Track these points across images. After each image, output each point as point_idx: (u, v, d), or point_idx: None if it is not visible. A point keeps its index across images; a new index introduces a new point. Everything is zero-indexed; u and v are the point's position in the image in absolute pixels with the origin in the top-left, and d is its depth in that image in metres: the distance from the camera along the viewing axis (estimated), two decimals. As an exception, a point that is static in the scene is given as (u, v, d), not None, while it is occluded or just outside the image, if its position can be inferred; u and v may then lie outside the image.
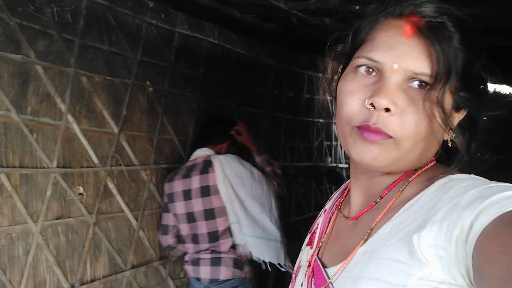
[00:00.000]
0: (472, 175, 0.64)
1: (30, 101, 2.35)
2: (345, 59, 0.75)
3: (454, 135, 0.68)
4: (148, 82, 3.05)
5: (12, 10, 2.28)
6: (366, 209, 0.73)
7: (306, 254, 0.83)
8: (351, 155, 0.68)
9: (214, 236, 2.62)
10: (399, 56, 0.64)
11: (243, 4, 2.65)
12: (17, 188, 2.21)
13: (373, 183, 0.73)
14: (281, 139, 4.51)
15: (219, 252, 2.61)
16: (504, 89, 5.18)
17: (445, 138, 0.68)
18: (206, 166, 2.69)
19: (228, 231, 2.63)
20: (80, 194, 2.51)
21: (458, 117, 0.68)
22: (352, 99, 0.66)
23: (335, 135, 5.62)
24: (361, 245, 0.67)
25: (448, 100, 0.64)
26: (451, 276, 0.55)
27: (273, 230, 2.65)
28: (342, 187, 0.93)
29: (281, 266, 2.63)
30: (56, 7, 2.51)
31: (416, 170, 0.70)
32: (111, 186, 2.69)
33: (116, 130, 2.77)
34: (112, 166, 2.71)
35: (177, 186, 2.71)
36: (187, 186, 2.66)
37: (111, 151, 2.72)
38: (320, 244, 0.80)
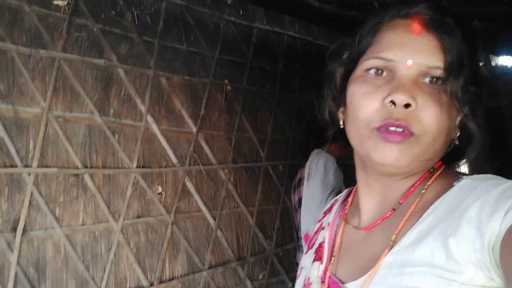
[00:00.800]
0: (491, 175, 0.63)
1: (112, 103, 2.44)
2: (352, 64, 0.74)
3: (458, 134, 0.69)
4: (226, 81, 3.02)
5: (95, 17, 2.37)
6: (385, 216, 0.70)
7: (316, 270, 0.77)
8: (372, 158, 0.65)
9: (299, 226, 2.72)
10: (412, 52, 0.65)
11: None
12: (100, 188, 2.31)
13: (389, 190, 0.72)
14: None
15: None
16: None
17: (453, 135, 0.69)
18: (307, 161, 2.80)
19: None
20: (159, 193, 2.56)
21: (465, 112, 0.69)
22: (368, 100, 0.66)
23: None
24: (386, 254, 0.64)
25: (459, 95, 0.64)
26: (491, 278, 0.53)
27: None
28: (341, 197, 0.90)
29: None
30: (136, 11, 2.57)
31: (431, 173, 0.70)
32: (189, 185, 2.71)
33: (194, 129, 2.78)
34: (191, 166, 2.72)
35: (294, 181, 2.94)
36: (295, 181, 2.90)
37: (190, 150, 2.74)
38: (332, 258, 0.77)
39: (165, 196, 2.59)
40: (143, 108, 2.53)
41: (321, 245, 0.82)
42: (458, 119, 0.67)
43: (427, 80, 0.65)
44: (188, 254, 2.65)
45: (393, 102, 0.63)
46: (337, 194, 2.61)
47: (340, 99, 0.77)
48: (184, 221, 2.68)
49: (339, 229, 0.80)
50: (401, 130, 0.63)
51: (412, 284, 0.58)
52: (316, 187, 2.57)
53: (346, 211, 0.83)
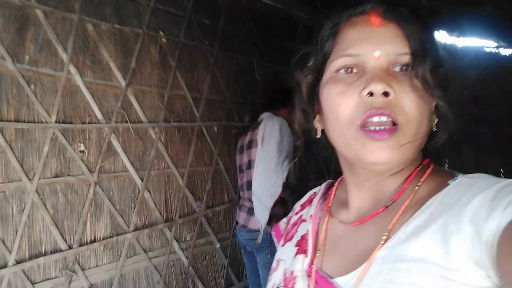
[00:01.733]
0: (486, 174, 0.62)
1: (28, 49, 2.17)
2: (319, 70, 0.74)
3: (436, 120, 0.69)
4: (161, 32, 2.81)
5: None
6: (376, 212, 0.69)
7: (300, 263, 0.75)
8: (363, 159, 0.64)
9: (249, 185, 2.77)
10: (376, 43, 0.65)
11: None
12: (11, 144, 2.09)
13: (379, 187, 0.71)
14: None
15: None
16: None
17: (432, 122, 0.69)
18: (258, 123, 2.83)
19: None
20: (81, 151, 2.38)
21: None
22: (345, 98, 0.66)
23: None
24: (380, 249, 0.63)
25: (429, 78, 0.64)
26: (489, 276, 0.53)
27: (265, 196, 2.63)
28: (321, 190, 0.89)
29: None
30: None
31: (421, 169, 0.70)
32: (115, 143, 2.54)
33: (123, 84, 2.57)
34: (118, 123, 2.54)
35: (239, 142, 3.00)
36: (242, 142, 2.94)
37: (117, 106, 2.55)
38: (318, 252, 0.75)
39: (88, 154, 2.41)
40: (64, 57, 2.29)
41: (304, 238, 0.80)
42: (434, 104, 0.67)
43: (397, 68, 0.65)
44: (112, 216, 2.52)
45: (370, 94, 0.63)
46: (288, 158, 2.68)
47: (313, 108, 0.76)
48: (109, 181, 2.53)
49: (323, 223, 0.80)
50: (385, 119, 0.62)
51: (408, 281, 0.57)
52: (272, 150, 2.63)
53: (329, 205, 0.82)
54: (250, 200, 2.79)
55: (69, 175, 2.32)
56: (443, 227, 0.58)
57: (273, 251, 2.63)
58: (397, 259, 0.60)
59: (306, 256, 0.76)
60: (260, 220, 2.64)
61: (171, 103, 2.90)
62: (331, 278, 0.69)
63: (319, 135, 0.76)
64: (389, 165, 0.66)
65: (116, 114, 2.54)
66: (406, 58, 0.65)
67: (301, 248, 0.78)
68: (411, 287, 0.57)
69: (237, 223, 2.91)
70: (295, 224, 0.87)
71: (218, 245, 3.23)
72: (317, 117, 0.76)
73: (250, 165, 2.81)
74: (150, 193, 2.75)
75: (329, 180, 0.91)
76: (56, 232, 2.23)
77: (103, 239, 2.46)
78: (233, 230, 3.32)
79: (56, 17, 2.26)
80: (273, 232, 0.99)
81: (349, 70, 0.67)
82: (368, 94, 0.63)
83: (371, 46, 0.66)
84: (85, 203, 2.37)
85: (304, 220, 0.85)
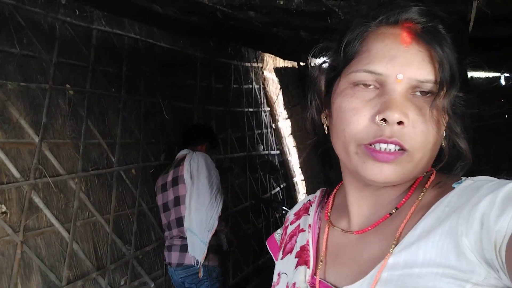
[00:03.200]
0: (491, 177, 0.62)
1: None
2: (335, 72, 0.70)
3: (444, 134, 0.66)
4: (68, 85, 2.86)
5: None
6: (380, 221, 0.68)
7: (302, 274, 0.74)
8: (361, 174, 0.64)
9: (179, 222, 2.81)
10: (401, 65, 0.61)
11: (164, -1, 2.57)
12: None
13: (382, 195, 0.70)
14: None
15: (185, 238, 2.79)
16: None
17: (441, 143, 0.67)
18: (181, 160, 2.95)
19: None
20: (3, 212, 2.32)
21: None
22: (357, 117, 0.63)
23: (265, 123, 5.69)
24: (388, 256, 0.61)
25: (450, 112, 0.63)
26: (500, 278, 0.53)
27: (202, 232, 2.74)
28: (317, 199, 0.86)
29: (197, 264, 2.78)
30: (-47, 9, 2.26)
31: (424, 176, 0.69)
32: (36, 200, 2.51)
33: (36, 139, 2.58)
34: (36, 179, 2.53)
35: (158, 181, 3.06)
36: (164, 180, 3.00)
37: (34, 162, 2.54)
38: (320, 262, 0.73)
39: (10, 215, 2.35)
40: (-27, 120, 2.26)
41: (304, 248, 0.77)
42: (445, 128, 0.65)
43: (417, 93, 0.63)
44: (43, 273, 2.47)
45: (385, 120, 0.60)
46: (219, 191, 2.84)
47: (323, 104, 0.74)
48: (35, 239, 2.48)
49: (323, 232, 0.77)
50: (393, 146, 0.61)
51: (421, 285, 0.56)
52: (204, 186, 2.75)
53: (329, 213, 0.79)
54: (180, 237, 2.83)
55: (-7, 239, 2.25)
56: (452, 229, 0.57)
57: (212, 282, 2.77)
58: (406, 265, 0.59)
59: (308, 267, 0.74)
60: (197, 256, 2.72)
61: (87, 152, 2.93)
62: None
63: (327, 131, 0.74)
64: (387, 184, 0.64)
65: (34, 171, 2.52)
66: (429, 86, 0.62)
67: (302, 259, 0.76)
68: None
69: (169, 264, 2.89)
70: (293, 234, 0.84)
71: (152, 285, 3.26)
72: (326, 112, 0.74)
73: (178, 201, 2.85)
74: (78, 244, 2.73)
75: (322, 188, 0.88)
76: (-13, 300, 2.14)
77: (37, 299, 2.39)
78: (164, 272, 3.36)
79: (-42, 82, 2.24)
80: (267, 245, 0.95)
81: (368, 85, 0.64)
82: (382, 120, 0.60)
83: (396, 68, 0.62)
84: (14, 264, 2.31)
85: (302, 230, 0.82)
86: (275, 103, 6.04)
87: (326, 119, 0.73)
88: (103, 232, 2.95)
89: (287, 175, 6.16)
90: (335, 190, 0.84)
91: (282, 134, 6.20)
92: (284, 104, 6.30)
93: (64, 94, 2.83)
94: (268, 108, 5.88)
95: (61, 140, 2.76)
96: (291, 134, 6.40)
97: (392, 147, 0.61)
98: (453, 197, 0.61)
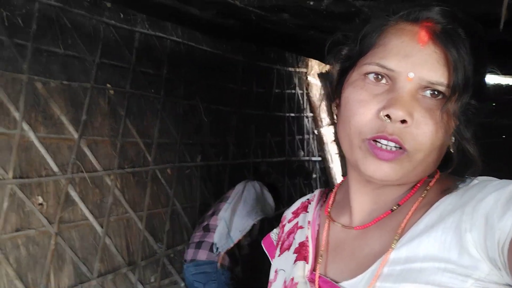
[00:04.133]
0: (495, 178, 0.62)
1: (-20, 111, 2.26)
2: (350, 62, 0.69)
3: (453, 140, 0.65)
4: (108, 85, 2.98)
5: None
6: (381, 216, 0.68)
7: (301, 270, 0.73)
8: (361, 169, 0.64)
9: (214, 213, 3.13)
10: (415, 64, 0.61)
11: (200, 1, 2.61)
12: (-30, 203, 2.13)
13: (384, 192, 0.69)
14: (251, 136, 4.49)
15: (204, 233, 3.00)
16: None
17: (448, 145, 0.66)
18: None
19: None
20: (40, 204, 2.44)
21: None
22: (364, 109, 0.63)
23: (307, 128, 5.63)
24: (390, 251, 0.62)
25: (461, 117, 0.61)
26: (502, 275, 0.53)
27: (235, 227, 2.94)
28: (316, 197, 0.85)
29: None
30: (5, 12, 2.41)
31: (429, 177, 0.68)
32: (73, 194, 2.62)
33: (76, 136, 2.69)
34: (73, 174, 2.64)
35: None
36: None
37: (72, 157, 2.65)
38: (320, 258, 0.73)
39: (46, 207, 2.47)
40: (17, 115, 2.39)
41: (304, 244, 0.77)
42: (453, 132, 0.64)
43: (428, 92, 0.62)
44: (75, 264, 2.56)
45: (388, 116, 0.60)
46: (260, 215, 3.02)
47: (335, 94, 0.74)
48: (69, 231, 2.59)
49: (323, 228, 0.77)
50: (393, 144, 0.61)
51: (422, 280, 0.56)
52: (251, 197, 3.16)
53: (329, 209, 0.79)
54: (200, 234, 2.97)
55: (30, 228, 2.36)
56: (455, 224, 0.57)
57: (220, 285, 2.78)
58: (407, 260, 0.59)
59: (307, 263, 0.73)
60: (220, 247, 2.78)
61: (124, 150, 3.03)
62: (337, 282, 0.67)
63: (336, 120, 0.73)
64: (386, 183, 0.65)
65: (72, 165, 2.63)
66: (440, 88, 0.61)
67: (301, 254, 0.76)
68: (426, 286, 0.56)
69: (185, 260, 2.99)
70: (291, 231, 0.83)
71: (182, 284, 3.29)
72: (336, 101, 0.73)
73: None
74: (111, 238, 2.82)
75: (321, 189, 0.89)
76: (21, 286, 2.25)
77: (68, 289, 2.49)
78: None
79: (5, 78, 2.38)
80: (263, 245, 0.94)
81: (379, 77, 0.64)
82: (386, 116, 0.60)
83: (409, 66, 0.61)
84: (47, 255, 2.42)
85: (301, 227, 0.81)
86: (319, 109, 5.96)
87: (336, 108, 0.73)
88: (136, 229, 3.02)
89: (328, 183, 6.05)
90: (336, 188, 0.83)
91: (325, 141, 6.10)
92: (327, 110, 6.20)
93: (104, 93, 2.94)
94: (311, 114, 5.82)
95: (99, 137, 2.87)
96: (333, 141, 6.28)
97: (391, 144, 0.60)
98: (457, 195, 0.61)
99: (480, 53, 0.62)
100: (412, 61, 0.61)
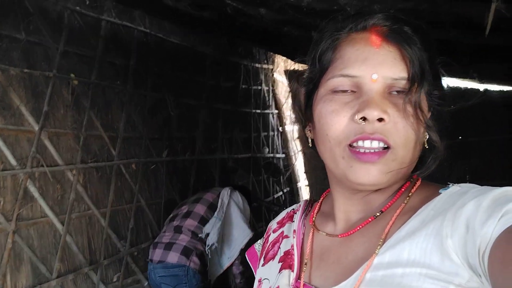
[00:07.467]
0: (476, 185, 0.63)
1: None
2: (314, 83, 0.72)
3: (428, 137, 0.67)
4: (72, 75, 2.82)
5: None
6: (363, 224, 0.69)
7: (286, 278, 0.74)
8: (350, 179, 0.64)
9: (187, 214, 3.02)
10: (374, 66, 0.64)
11: (175, -9, 2.52)
12: None
13: (368, 200, 0.70)
14: (219, 131, 4.42)
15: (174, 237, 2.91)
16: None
17: (423, 141, 0.68)
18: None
19: None
20: (-4, 200, 2.28)
21: (429, 116, 0.68)
22: (338, 118, 0.64)
23: (272, 125, 5.62)
24: (372, 257, 0.62)
25: (424, 101, 0.65)
26: (483, 282, 0.53)
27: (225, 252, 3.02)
28: (301, 207, 0.86)
29: None
30: (-40, -9, 2.23)
31: (411, 182, 0.70)
32: (32, 189, 2.47)
33: (36, 127, 2.53)
34: (33, 168, 2.48)
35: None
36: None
37: (31, 151, 2.49)
38: (304, 266, 0.74)
39: (3, 203, 2.31)
40: (-28, 104, 2.22)
41: (289, 253, 0.78)
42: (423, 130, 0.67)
43: (394, 92, 0.64)
44: (34, 264, 2.42)
45: (364, 119, 0.62)
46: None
47: (306, 117, 0.75)
48: (28, 229, 2.43)
49: (307, 237, 0.77)
50: (376, 144, 0.62)
51: (404, 285, 0.57)
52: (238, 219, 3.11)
53: (314, 218, 0.80)
54: (170, 234, 2.81)
55: (-16, 226, 2.20)
56: (437, 230, 0.58)
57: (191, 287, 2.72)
58: (390, 265, 0.60)
59: (292, 271, 0.74)
60: (210, 273, 2.85)
61: (87, 143, 2.89)
62: None
63: (311, 144, 0.75)
64: (376, 187, 0.66)
65: (31, 159, 2.48)
66: (403, 83, 0.64)
67: (286, 263, 0.77)
68: None
69: (151, 260, 2.81)
70: (276, 241, 0.84)
71: (146, 283, 3.20)
72: (308, 127, 0.75)
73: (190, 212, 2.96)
74: (72, 237, 2.69)
75: (306, 199, 0.90)
76: (-27, 289, 2.10)
77: (25, 290, 2.34)
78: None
79: (-40, 64, 2.20)
80: (247, 256, 0.95)
81: (345, 91, 0.66)
82: (361, 118, 0.62)
83: (369, 68, 0.64)
84: (4, 254, 2.26)
85: (286, 236, 0.82)
86: (284, 106, 5.97)
87: (310, 132, 0.74)
88: (98, 227, 2.90)
89: (291, 180, 6.08)
90: (322, 198, 0.84)
91: (289, 138, 6.12)
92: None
93: (68, 83, 2.78)
94: (276, 111, 5.81)
95: (61, 130, 2.71)
96: (297, 138, 6.33)
97: (375, 144, 0.62)
98: (439, 201, 0.62)
99: (429, 46, 0.66)
100: (372, 64, 0.64)
